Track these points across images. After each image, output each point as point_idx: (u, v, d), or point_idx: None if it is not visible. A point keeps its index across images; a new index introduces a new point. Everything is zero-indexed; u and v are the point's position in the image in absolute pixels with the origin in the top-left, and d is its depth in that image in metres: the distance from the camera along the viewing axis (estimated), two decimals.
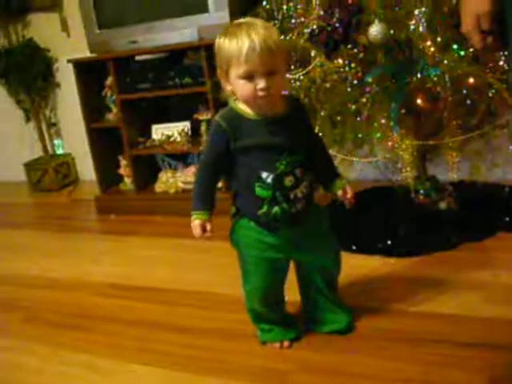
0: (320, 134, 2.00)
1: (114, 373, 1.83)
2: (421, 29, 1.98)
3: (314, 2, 2.14)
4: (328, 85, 2.36)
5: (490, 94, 1.96)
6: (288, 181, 1.63)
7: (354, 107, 2.41)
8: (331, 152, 2.41)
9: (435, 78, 2.01)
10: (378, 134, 2.41)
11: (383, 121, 2.37)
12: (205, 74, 2.99)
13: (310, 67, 2.28)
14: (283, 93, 1.68)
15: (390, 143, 2.41)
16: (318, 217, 1.76)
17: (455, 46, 2.06)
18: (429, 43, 2.00)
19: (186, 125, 3.33)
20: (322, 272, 1.80)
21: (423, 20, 1.95)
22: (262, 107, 1.60)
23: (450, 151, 2.32)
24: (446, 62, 2.06)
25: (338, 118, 2.50)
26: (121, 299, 2.32)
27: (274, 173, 1.61)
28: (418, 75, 2.05)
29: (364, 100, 2.35)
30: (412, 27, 2.04)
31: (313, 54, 2.20)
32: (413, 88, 2.12)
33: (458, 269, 2.16)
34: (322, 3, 2.12)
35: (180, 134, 3.29)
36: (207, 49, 2.93)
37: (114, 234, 3.18)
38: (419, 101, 2.22)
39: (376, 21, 2.03)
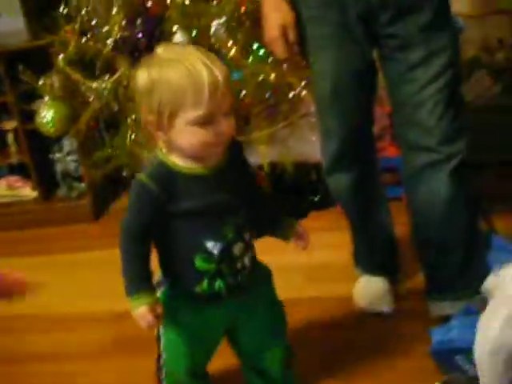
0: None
1: None
2: (221, 35, 2.07)
3: (114, 11, 2.15)
4: None
5: (291, 94, 2.12)
6: (238, 249, 1.32)
7: None
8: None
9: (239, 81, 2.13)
10: None
11: None
12: (4, 84, 2.86)
13: (116, 76, 2.29)
14: None
15: None
16: (265, 280, 1.46)
17: (256, 46, 2.19)
18: (230, 47, 2.11)
19: None
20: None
21: (222, 29, 2.05)
22: (208, 158, 1.27)
23: (258, 143, 2.47)
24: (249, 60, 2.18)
25: None
26: None
27: (223, 242, 1.29)
28: None
29: None
30: (212, 31, 2.13)
31: (118, 63, 2.21)
32: None
33: (277, 252, 2.31)
34: (124, 13, 2.13)
35: None
36: (5, 57, 2.81)
37: None
38: None
39: (178, 30, 2.09)
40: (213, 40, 2.08)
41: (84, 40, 2.36)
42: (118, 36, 2.15)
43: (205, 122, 1.17)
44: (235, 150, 1.34)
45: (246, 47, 2.21)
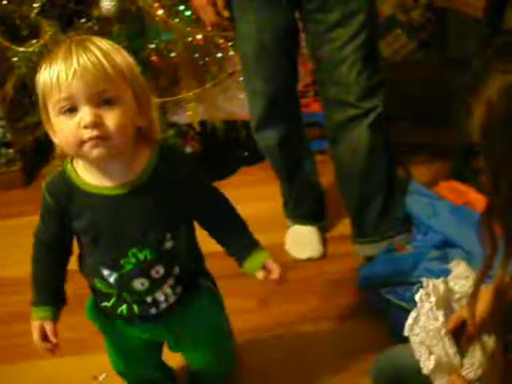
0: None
1: None
2: None
3: None
4: None
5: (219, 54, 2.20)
6: (139, 284, 1.19)
7: None
8: None
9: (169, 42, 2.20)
10: None
11: None
12: None
13: (43, 41, 2.29)
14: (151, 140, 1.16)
15: None
16: (200, 313, 1.32)
17: (182, 8, 2.25)
18: (158, 11, 2.16)
19: None
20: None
21: None
22: (114, 171, 1.12)
23: (188, 103, 2.54)
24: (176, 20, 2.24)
25: None
26: None
27: (118, 272, 1.17)
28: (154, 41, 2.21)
29: None
30: None
31: (45, 27, 2.21)
32: (148, 51, 2.27)
33: None
34: None
35: None
36: None
37: None
38: (154, 60, 2.38)
39: None
40: (140, 3, 2.12)
41: (5, 2, 2.33)
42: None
43: (65, 109, 1.05)
44: (172, 167, 1.17)
45: (173, 9, 2.27)
